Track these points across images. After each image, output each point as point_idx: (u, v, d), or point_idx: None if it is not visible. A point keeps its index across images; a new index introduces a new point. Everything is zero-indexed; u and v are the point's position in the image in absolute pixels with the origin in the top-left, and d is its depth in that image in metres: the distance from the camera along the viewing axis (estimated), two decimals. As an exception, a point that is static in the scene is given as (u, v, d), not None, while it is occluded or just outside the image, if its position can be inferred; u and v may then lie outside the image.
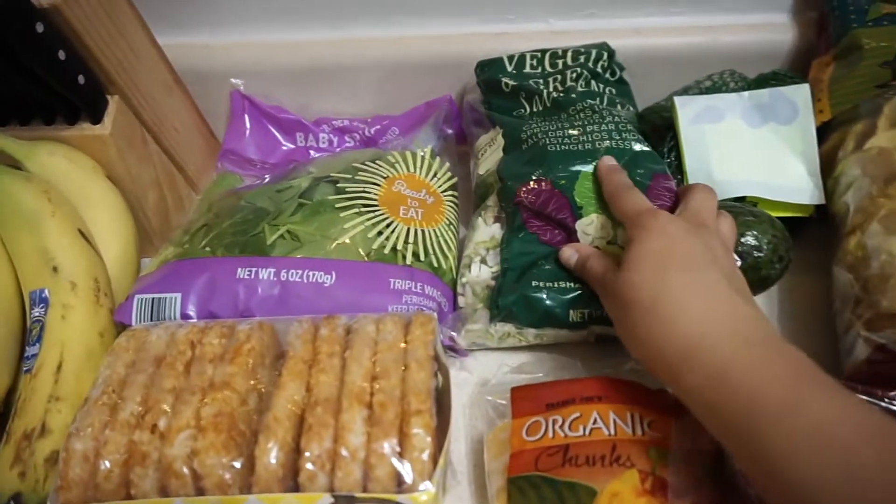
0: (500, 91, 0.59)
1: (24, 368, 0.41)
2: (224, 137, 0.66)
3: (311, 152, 0.67)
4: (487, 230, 0.51)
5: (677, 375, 0.34)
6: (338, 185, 0.53)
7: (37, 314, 0.43)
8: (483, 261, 0.50)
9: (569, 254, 0.46)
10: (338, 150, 0.67)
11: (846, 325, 0.43)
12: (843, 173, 0.51)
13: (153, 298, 0.45)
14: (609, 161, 0.48)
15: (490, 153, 0.56)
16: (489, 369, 0.46)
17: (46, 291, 0.43)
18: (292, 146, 0.67)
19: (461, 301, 0.49)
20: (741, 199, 0.53)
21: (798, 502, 0.28)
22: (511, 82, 0.59)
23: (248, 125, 0.66)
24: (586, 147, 0.51)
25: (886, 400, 0.36)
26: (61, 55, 0.44)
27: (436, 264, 0.49)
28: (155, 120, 0.57)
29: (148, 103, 0.55)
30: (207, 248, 0.49)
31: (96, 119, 0.50)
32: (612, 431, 0.37)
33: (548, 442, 0.38)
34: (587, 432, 0.37)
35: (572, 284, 0.46)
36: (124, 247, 0.51)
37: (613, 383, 0.40)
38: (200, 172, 0.65)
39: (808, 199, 0.52)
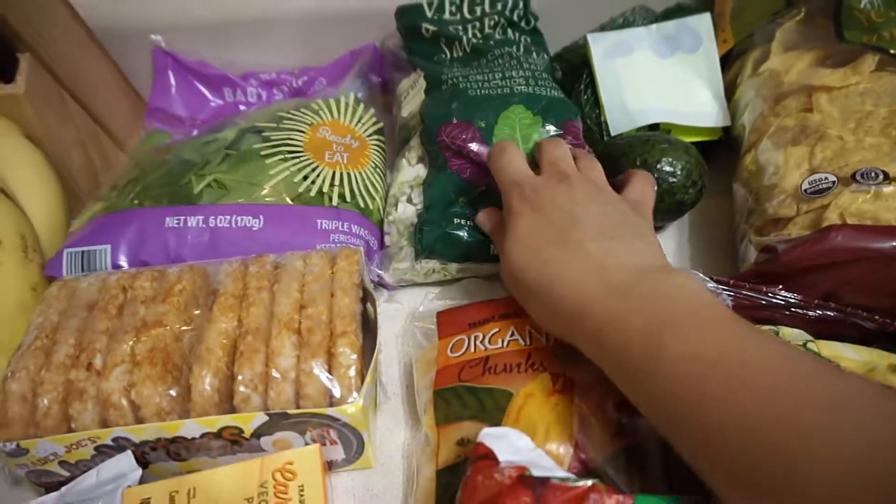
0: (420, 37, 0.61)
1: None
2: (149, 96, 0.66)
3: (241, 107, 0.67)
4: (412, 170, 0.53)
5: (574, 342, 0.35)
6: (263, 134, 0.53)
7: (-38, 273, 0.43)
8: (409, 199, 0.51)
9: (482, 220, 0.46)
10: (266, 103, 0.67)
11: (741, 236, 0.47)
12: (741, 97, 0.54)
13: (83, 252, 0.46)
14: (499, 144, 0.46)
15: (412, 96, 0.58)
16: (418, 301, 0.49)
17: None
18: (221, 102, 0.67)
19: (387, 240, 0.51)
20: (655, 127, 0.56)
21: (679, 441, 0.29)
22: (431, 28, 0.60)
23: (172, 82, 0.66)
24: (504, 91, 0.53)
25: (770, 294, 0.40)
26: (-38, 12, 0.43)
27: (363, 205, 0.51)
28: (71, 78, 0.56)
29: (63, 61, 0.55)
30: (135, 201, 0.49)
31: (7, 78, 0.50)
32: (528, 342, 0.40)
33: (469, 356, 0.40)
34: (505, 344, 0.40)
35: None
36: (51, 205, 0.51)
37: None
38: (127, 133, 0.65)
39: (714, 122, 0.55)
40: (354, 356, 0.36)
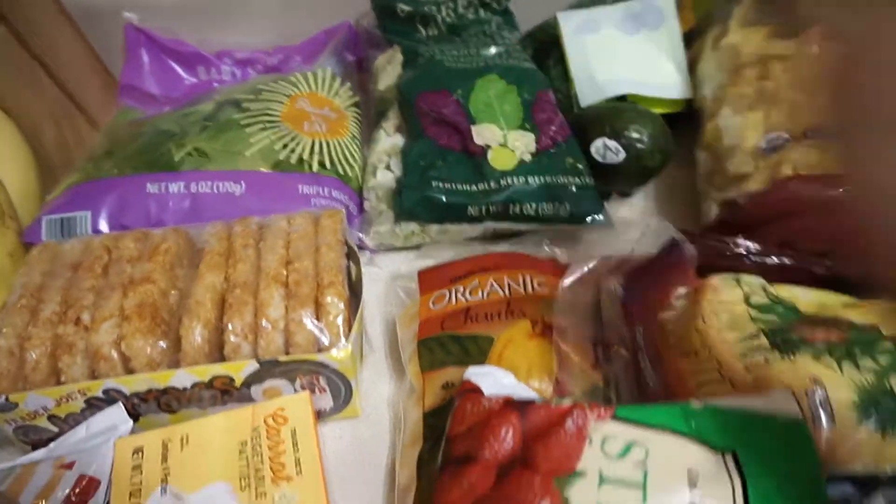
0: (395, 16, 0.62)
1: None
2: (121, 73, 0.65)
3: (215, 85, 0.67)
4: (389, 140, 0.54)
5: None
6: (242, 105, 0.54)
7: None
8: (388, 167, 0.53)
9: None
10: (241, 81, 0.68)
11: (704, 195, 0.50)
12: (702, 70, 0.57)
13: (62, 218, 0.46)
14: None
15: (390, 70, 0.59)
16: (397, 265, 0.50)
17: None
18: (195, 80, 0.67)
19: (367, 205, 0.52)
20: (622, 99, 0.58)
21: None
22: (406, 8, 0.62)
23: (145, 59, 0.65)
24: (479, 65, 0.56)
25: (733, 244, 0.43)
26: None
27: (342, 172, 0.52)
28: (45, 51, 0.56)
29: (36, 33, 0.55)
30: (115, 170, 0.49)
31: (-19, 48, 0.50)
32: (507, 292, 0.42)
33: (451, 308, 0.42)
34: (485, 295, 0.42)
35: (469, 186, 0.50)
36: (24, 176, 0.50)
37: (507, 255, 0.45)
38: (100, 112, 0.64)
39: (678, 94, 0.58)
40: (342, 305, 0.38)
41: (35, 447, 0.37)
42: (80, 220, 0.46)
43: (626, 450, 0.28)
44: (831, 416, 0.31)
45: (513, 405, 0.30)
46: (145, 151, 0.50)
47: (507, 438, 0.29)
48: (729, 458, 0.27)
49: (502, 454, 0.29)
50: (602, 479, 0.27)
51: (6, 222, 0.45)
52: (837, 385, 0.32)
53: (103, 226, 0.46)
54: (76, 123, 0.61)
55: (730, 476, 0.26)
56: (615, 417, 0.29)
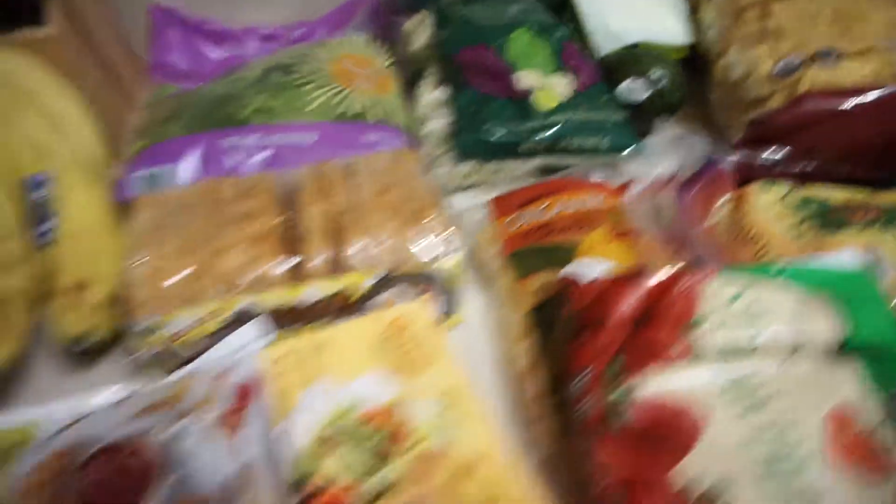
0: (416, -16, 0.66)
1: (42, 243, 0.43)
2: (150, 52, 0.67)
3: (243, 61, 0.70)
4: (432, 95, 0.59)
5: None
6: (290, 68, 0.57)
7: (38, 196, 0.44)
8: (437, 115, 0.57)
9: None
10: (267, 55, 0.70)
11: (726, 123, 0.56)
12: (704, 18, 0.63)
13: (149, 173, 0.48)
14: None
15: (420, 31, 0.63)
16: (460, 203, 0.55)
17: (45, 174, 0.44)
18: (222, 57, 0.70)
19: (423, 152, 0.56)
20: (635, 46, 0.64)
21: None
22: (425, -24, 0.66)
23: (173, 39, 0.67)
24: (508, 20, 0.61)
25: (761, 156, 0.49)
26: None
27: (397, 122, 0.56)
28: (92, 26, 0.57)
29: (82, 11, 0.56)
30: (184, 131, 0.52)
31: (38, 21, 0.51)
32: (577, 209, 0.47)
33: (527, 227, 0.47)
34: (557, 213, 0.47)
35: (518, 125, 0.54)
36: (95, 139, 0.52)
37: (567, 180, 0.50)
38: (132, 84, 0.66)
39: (683, 40, 0.64)
40: (444, 221, 0.42)
41: (174, 371, 0.40)
42: (166, 174, 0.48)
43: (736, 297, 0.33)
44: (887, 269, 0.37)
45: (624, 278, 0.35)
46: (211, 112, 0.53)
47: (629, 302, 0.34)
48: (823, 295, 0.33)
49: (628, 316, 0.34)
50: (719, 324, 0.32)
51: (97, 178, 0.47)
52: (886, 245, 0.38)
53: (188, 180, 0.49)
54: (116, 94, 0.63)
55: (826, 310, 0.32)
56: (720, 275, 0.34)
